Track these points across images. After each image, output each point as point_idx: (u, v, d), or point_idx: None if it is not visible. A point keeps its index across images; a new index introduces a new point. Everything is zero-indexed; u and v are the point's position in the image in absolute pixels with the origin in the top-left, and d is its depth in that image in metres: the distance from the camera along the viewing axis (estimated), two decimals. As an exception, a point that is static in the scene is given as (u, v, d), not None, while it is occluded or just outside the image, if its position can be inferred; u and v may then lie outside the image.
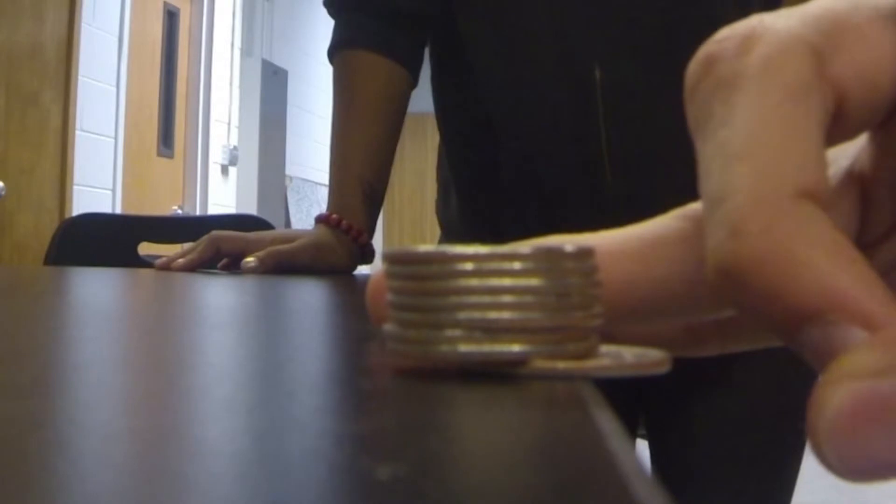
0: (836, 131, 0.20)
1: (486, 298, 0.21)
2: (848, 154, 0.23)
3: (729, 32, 0.20)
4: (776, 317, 0.18)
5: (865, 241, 0.23)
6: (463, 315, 0.21)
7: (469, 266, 0.21)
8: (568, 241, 0.23)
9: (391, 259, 0.23)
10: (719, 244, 0.18)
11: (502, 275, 0.21)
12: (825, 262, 0.17)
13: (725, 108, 0.19)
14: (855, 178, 0.22)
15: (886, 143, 0.22)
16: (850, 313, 0.17)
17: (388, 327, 0.23)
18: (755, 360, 0.94)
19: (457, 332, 0.21)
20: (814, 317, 0.17)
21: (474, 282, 0.21)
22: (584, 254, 0.22)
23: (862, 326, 0.17)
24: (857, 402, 0.15)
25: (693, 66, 0.20)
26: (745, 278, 0.18)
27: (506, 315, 0.21)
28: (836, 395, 0.15)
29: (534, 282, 0.21)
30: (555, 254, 0.22)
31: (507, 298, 0.21)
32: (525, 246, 0.22)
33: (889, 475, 0.15)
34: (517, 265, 0.21)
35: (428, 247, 0.22)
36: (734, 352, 0.26)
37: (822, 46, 0.20)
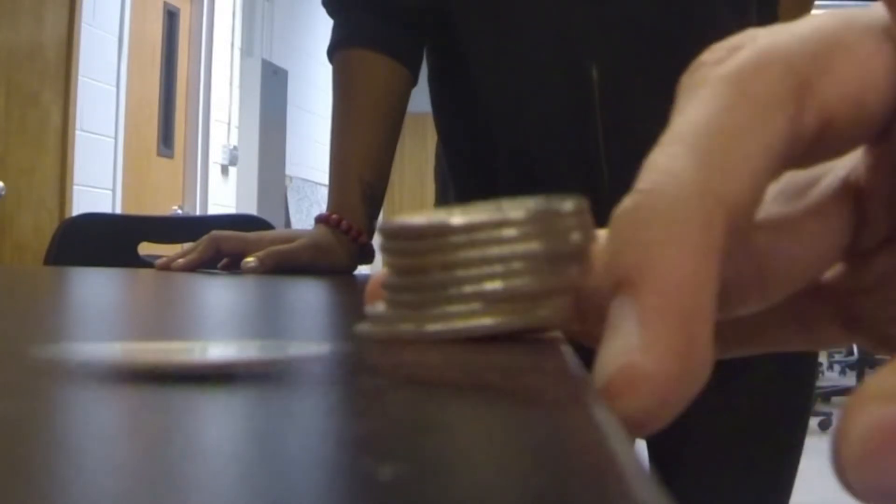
0: (826, 149, 0.21)
1: (475, 271, 0.21)
2: (845, 163, 0.23)
3: (722, 43, 0.21)
4: (609, 270, 0.18)
5: (859, 251, 0.23)
6: (454, 290, 0.22)
7: (459, 238, 0.21)
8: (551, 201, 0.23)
9: (386, 234, 0.23)
10: (624, 201, 0.19)
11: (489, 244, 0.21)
12: (666, 251, 0.18)
13: (687, 100, 0.20)
14: (850, 189, 0.22)
15: (880, 159, 0.22)
16: (643, 300, 0.17)
17: (376, 307, 0.23)
18: (754, 359, 0.94)
19: (432, 310, 0.22)
20: (625, 284, 0.18)
21: (464, 253, 0.21)
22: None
23: (640, 316, 0.17)
24: (884, 426, 0.15)
25: (685, 73, 0.21)
26: (613, 226, 0.19)
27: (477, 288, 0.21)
28: (861, 419, 0.15)
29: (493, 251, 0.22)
30: (550, 213, 0.22)
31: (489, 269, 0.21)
32: (515, 208, 0.22)
33: None
34: (508, 231, 0.21)
35: (423, 216, 0.22)
36: (733, 356, 0.26)
37: (806, 66, 0.20)
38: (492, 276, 0.21)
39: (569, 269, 0.22)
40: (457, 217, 0.22)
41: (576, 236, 0.22)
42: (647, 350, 0.17)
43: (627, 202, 0.19)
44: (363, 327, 0.23)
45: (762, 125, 0.19)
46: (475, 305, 0.21)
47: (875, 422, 0.15)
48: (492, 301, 0.21)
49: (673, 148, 0.19)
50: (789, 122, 0.19)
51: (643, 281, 0.18)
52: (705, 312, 0.18)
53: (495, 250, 0.21)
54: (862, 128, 0.20)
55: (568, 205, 0.22)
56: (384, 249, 0.23)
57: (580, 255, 0.22)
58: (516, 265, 0.21)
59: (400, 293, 0.22)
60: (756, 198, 0.19)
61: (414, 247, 0.22)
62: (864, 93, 0.20)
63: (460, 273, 0.21)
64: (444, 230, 0.21)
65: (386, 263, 0.23)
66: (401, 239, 0.22)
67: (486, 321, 0.21)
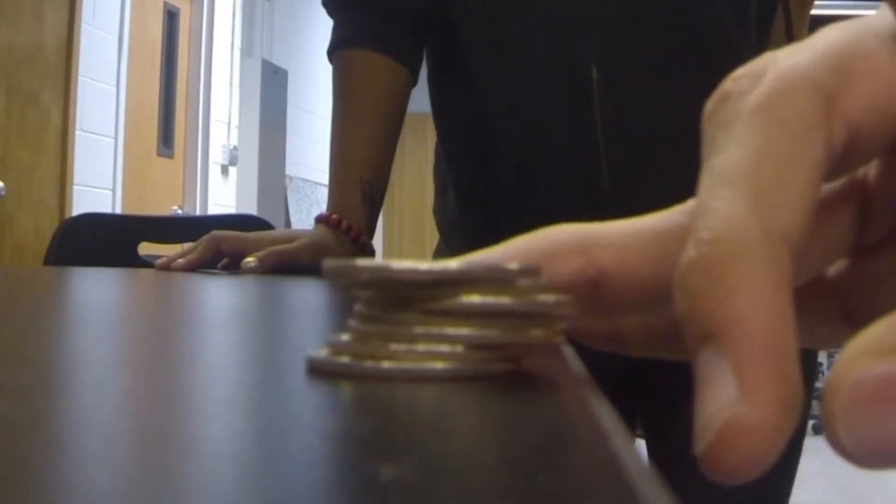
0: (852, 161, 0.21)
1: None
2: None
3: (744, 70, 0.21)
4: (688, 326, 0.18)
5: (863, 247, 0.23)
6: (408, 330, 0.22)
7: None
8: (527, 252, 0.23)
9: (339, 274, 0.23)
10: (685, 254, 0.19)
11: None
12: (747, 296, 0.18)
13: (726, 137, 0.20)
14: (856, 185, 0.22)
15: (891, 159, 0.22)
16: (732, 346, 0.17)
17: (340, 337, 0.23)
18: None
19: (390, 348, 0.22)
20: (709, 337, 0.18)
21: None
22: (528, 272, 0.22)
23: (739, 362, 0.17)
24: (876, 379, 0.15)
25: (709, 102, 0.21)
26: (685, 288, 0.18)
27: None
28: (853, 372, 0.15)
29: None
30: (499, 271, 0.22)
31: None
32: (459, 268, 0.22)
33: None
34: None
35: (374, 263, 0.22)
36: None
37: (830, 83, 0.20)
38: (462, 324, 0.21)
39: (532, 329, 0.22)
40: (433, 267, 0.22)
41: (546, 297, 0.22)
42: (750, 400, 0.17)
43: (694, 253, 0.18)
44: (319, 355, 0.23)
45: (803, 152, 0.19)
46: (442, 348, 0.21)
47: (868, 373, 0.15)
48: (458, 347, 0.21)
49: (725, 192, 0.19)
50: (825, 140, 0.20)
51: (730, 331, 0.17)
52: (794, 349, 0.18)
53: (474, 299, 0.22)
54: (886, 137, 0.20)
55: (531, 266, 0.22)
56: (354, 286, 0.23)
57: (547, 317, 0.22)
58: (488, 317, 0.22)
59: (367, 324, 0.22)
60: (810, 222, 0.19)
61: (387, 290, 0.22)
62: (885, 103, 0.20)
63: (431, 318, 0.21)
64: (424, 280, 0.21)
65: (359, 296, 0.23)
66: (373, 287, 0.22)
67: (445, 365, 0.21)
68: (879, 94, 0.20)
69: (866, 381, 0.15)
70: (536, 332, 0.22)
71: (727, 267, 0.18)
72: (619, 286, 0.23)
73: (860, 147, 0.20)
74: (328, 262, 0.22)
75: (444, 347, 0.21)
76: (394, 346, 0.21)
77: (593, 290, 0.23)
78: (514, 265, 0.22)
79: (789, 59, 0.20)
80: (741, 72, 0.21)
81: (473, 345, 0.21)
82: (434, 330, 0.21)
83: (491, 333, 0.22)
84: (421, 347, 0.21)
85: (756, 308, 0.17)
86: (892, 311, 0.16)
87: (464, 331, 0.21)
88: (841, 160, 0.20)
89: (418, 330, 0.21)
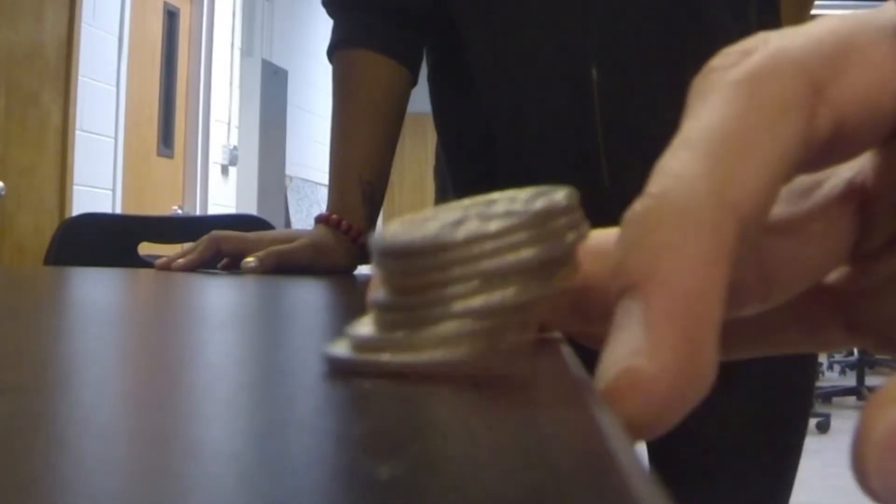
0: (839, 152, 0.21)
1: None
2: (850, 165, 0.23)
3: (734, 48, 0.21)
4: (616, 275, 0.18)
5: (864, 252, 0.23)
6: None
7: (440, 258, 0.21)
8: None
9: (378, 252, 0.22)
10: (633, 206, 0.19)
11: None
12: (676, 254, 0.18)
13: (700, 105, 0.20)
14: (855, 190, 0.22)
15: (887, 161, 0.22)
16: (649, 303, 0.17)
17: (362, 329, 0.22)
18: (754, 362, 0.94)
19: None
20: (632, 287, 0.18)
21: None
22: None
23: (645, 320, 0.17)
24: None
25: (696, 77, 0.21)
26: (621, 233, 0.18)
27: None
28: (882, 422, 0.15)
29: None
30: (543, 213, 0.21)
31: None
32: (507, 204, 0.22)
33: None
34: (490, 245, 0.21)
35: (411, 229, 0.22)
36: (735, 359, 0.26)
37: (820, 70, 0.20)
38: (477, 292, 0.21)
39: (558, 273, 0.21)
40: (448, 228, 0.21)
41: (570, 236, 0.21)
42: (651, 354, 0.17)
43: (637, 206, 0.19)
44: (339, 350, 0.22)
45: (774, 130, 0.19)
46: (466, 324, 0.21)
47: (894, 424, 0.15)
48: (480, 317, 0.21)
49: (685, 153, 0.19)
50: (802, 126, 0.19)
51: (651, 285, 0.17)
52: (712, 318, 0.17)
53: (491, 263, 0.21)
54: (874, 131, 0.20)
55: (562, 200, 0.21)
56: (378, 266, 0.22)
57: (570, 255, 0.22)
58: (508, 276, 0.21)
59: (390, 313, 0.22)
60: (768, 204, 0.19)
61: (406, 265, 0.21)
62: (877, 96, 0.20)
63: (451, 290, 0.21)
64: (437, 247, 0.21)
65: (381, 281, 0.22)
66: (392, 258, 0.22)
67: (467, 350, 0.21)
68: (872, 86, 0.20)
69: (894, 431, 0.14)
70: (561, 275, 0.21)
71: (662, 223, 0.18)
72: (604, 295, 0.23)
73: (848, 138, 0.20)
74: (375, 242, 0.22)
75: (465, 326, 0.21)
76: (414, 336, 0.21)
77: (581, 299, 0.23)
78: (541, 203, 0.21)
79: (781, 40, 0.20)
80: (730, 48, 0.21)
81: (495, 312, 0.21)
82: (458, 306, 0.21)
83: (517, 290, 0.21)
84: (443, 331, 0.21)
85: (682, 268, 0.17)
86: None
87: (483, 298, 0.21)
88: (827, 150, 0.20)
89: (440, 310, 0.21)
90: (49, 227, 3.15)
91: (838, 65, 0.20)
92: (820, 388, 5.72)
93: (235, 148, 5.29)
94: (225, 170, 5.26)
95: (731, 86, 0.19)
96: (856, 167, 0.23)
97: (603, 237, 0.23)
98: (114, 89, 4.17)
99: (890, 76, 0.20)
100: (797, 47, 0.20)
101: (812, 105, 0.19)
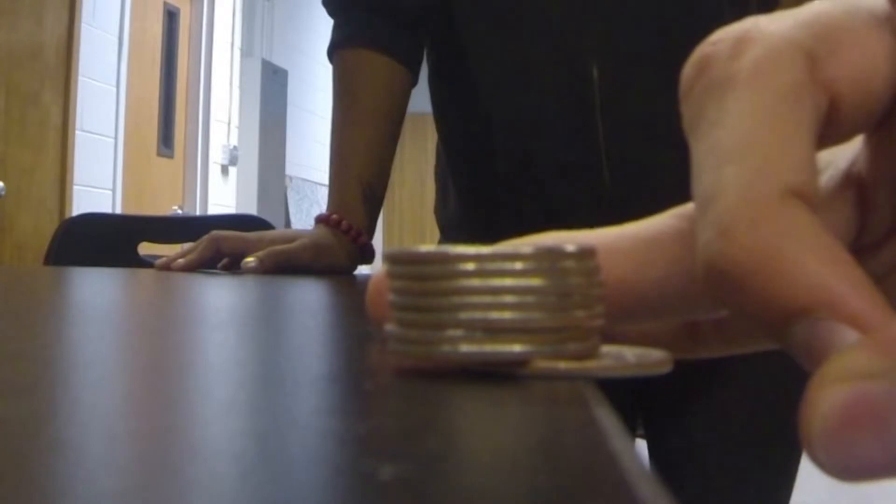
0: (830, 133, 0.20)
1: (488, 298, 0.21)
2: (846, 156, 0.23)
3: (723, 34, 0.20)
4: (764, 315, 0.18)
5: (865, 243, 0.23)
6: (464, 315, 0.21)
7: (471, 266, 0.21)
8: (569, 240, 0.23)
9: (393, 259, 0.23)
10: (708, 243, 0.18)
11: (504, 275, 0.21)
12: (813, 260, 0.17)
13: (718, 109, 0.19)
14: (853, 180, 0.22)
15: (883, 145, 0.22)
16: (838, 310, 0.17)
17: (390, 328, 0.23)
18: (754, 360, 0.94)
19: (458, 333, 0.21)
20: (801, 314, 0.17)
21: (476, 282, 0.21)
22: (586, 253, 0.22)
23: (850, 324, 0.17)
24: (847, 404, 0.15)
25: (688, 68, 0.21)
26: (734, 277, 0.18)
27: (507, 315, 0.21)
28: (827, 396, 0.15)
29: (535, 282, 0.21)
30: (556, 253, 0.22)
31: (508, 298, 0.21)
32: (526, 245, 0.22)
33: (881, 476, 0.15)
34: (518, 265, 0.21)
35: (429, 247, 0.22)
36: (735, 353, 0.26)
37: (815, 49, 0.20)
38: (500, 307, 0.21)
39: (575, 311, 0.22)
40: (463, 248, 0.22)
41: (578, 279, 0.22)
42: (884, 367, 0.15)
43: (722, 246, 0.18)
44: (395, 346, 0.23)
45: (800, 116, 0.19)
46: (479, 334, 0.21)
47: (840, 398, 0.15)
48: (530, 331, 0.21)
49: (730, 168, 0.18)
50: (815, 105, 0.19)
51: (822, 299, 0.17)
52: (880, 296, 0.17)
53: (506, 281, 0.21)
54: (865, 112, 0.20)
55: (571, 248, 0.22)
56: (390, 274, 0.23)
57: (588, 299, 0.22)
58: (527, 298, 0.22)
59: (406, 312, 0.22)
60: (817, 180, 0.19)
61: (420, 271, 0.22)
62: (869, 75, 0.20)
63: (467, 300, 0.21)
64: (451, 258, 0.21)
65: (392, 287, 0.23)
66: (406, 264, 0.22)
67: (516, 348, 0.21)
68: (864, 67, 0.20)
69: (837, 405, 0.15)
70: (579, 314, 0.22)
71: (779, 247, 0.17)
72: (609, 295, 0.23)
73: (840, 118, 0.20)
74: (390, 251, 0.23)
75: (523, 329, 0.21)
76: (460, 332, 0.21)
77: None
78: (570, 247, 0.22)
79: (773, 24, 0.20)
80: (719, 35, 0.20)
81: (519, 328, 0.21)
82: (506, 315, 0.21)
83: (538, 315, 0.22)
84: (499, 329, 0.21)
85: (832, 273, 0.17)
86: (854, 343, 0.16)
87: (507, 314, 0.21)
88: (823, 130, 0.20)
89: (461, 316, 0.21)
90: (49, 227, 3.16)
91: (831, 44, 0.20)
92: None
93: (235, 148, 5.29)
94: (225, 170, 5.26)
95: (744, 83, 0.19)
96: (851, 158, 0.22)
97: (602, 238, 0.23)
98: (114, 89, 4.17)
99: (881, 58, 0.20)
100: (790, 29, 0.20)
101: (814, 81, 0.19)
